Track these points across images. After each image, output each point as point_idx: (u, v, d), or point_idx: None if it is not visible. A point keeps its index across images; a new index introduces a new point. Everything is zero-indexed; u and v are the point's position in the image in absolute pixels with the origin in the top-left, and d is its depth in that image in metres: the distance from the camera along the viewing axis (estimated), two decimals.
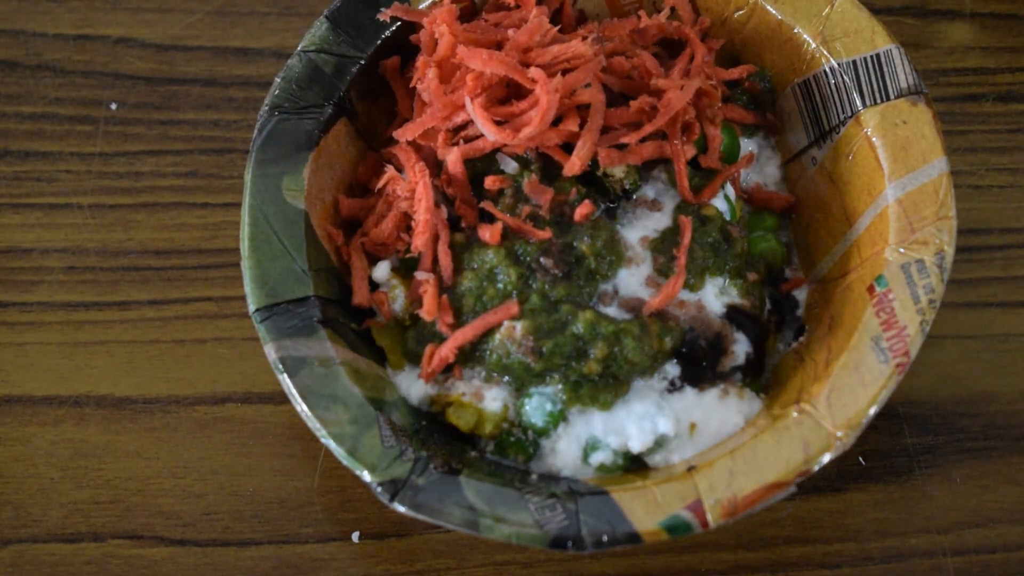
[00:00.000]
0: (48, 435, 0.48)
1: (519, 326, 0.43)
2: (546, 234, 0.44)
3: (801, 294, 0.47)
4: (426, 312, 0.44)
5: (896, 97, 0.45)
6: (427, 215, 0.45)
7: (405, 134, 0.46)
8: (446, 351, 0.44)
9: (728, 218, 0.47)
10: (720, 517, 0.39)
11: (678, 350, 0.44)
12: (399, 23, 0.49)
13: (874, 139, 0.45)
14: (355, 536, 0.46)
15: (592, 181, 0.46)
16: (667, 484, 0.41)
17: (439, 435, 0.44)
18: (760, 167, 0.50)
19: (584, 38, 0.46)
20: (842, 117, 0.46)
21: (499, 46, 0.47)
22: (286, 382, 0.42)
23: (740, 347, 0.45)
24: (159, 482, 0.47)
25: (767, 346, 0.46)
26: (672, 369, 0.44)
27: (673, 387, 0.44)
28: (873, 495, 0.47)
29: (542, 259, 0.44)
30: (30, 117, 0.55)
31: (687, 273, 0.45)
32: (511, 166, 0.46)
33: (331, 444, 0.41)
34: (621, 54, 0.48)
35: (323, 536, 0.46)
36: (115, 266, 0.52)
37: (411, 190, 0.46)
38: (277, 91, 0.47)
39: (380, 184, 0.47)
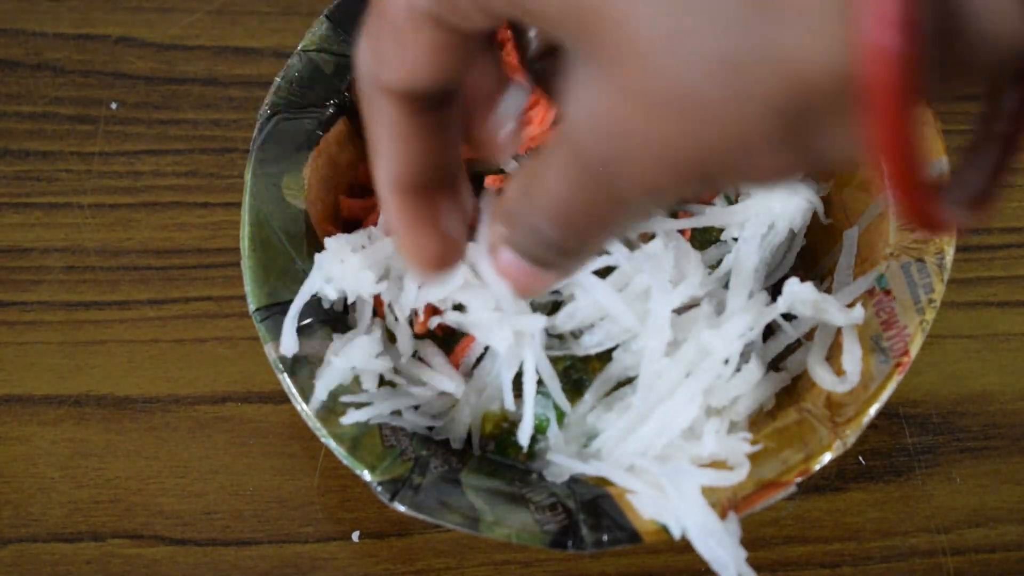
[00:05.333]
0: (48, 435, 0.48)
1: None
2: None
3: None
4: (425, 312, 0.44)
5: None
6: None
7: None
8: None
9: None
10: (720, 517, 0.39)
11: None
12: None
13: None
14: (355, 536, 0.46)
15: None
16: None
17: None
18: None
19: None
20: None
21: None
22: (286, 382, 0.42)
23: None
24: (159, 481, 0.47)
25: None
26: None
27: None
28: (873, 495, 0.47)
29: None
30: (30, 117, 0.55)
31: None
32: (511, 166, 0.46)
33: (331, 444, 0.41)
34: None
35: (323, 536, 0.46)
36: (115, 266, 0.52)
37: None
38: (277, 91, 0.47)
39: None
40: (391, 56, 0.27)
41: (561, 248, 0.26)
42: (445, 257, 0.31)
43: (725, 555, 0.39)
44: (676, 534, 0.39)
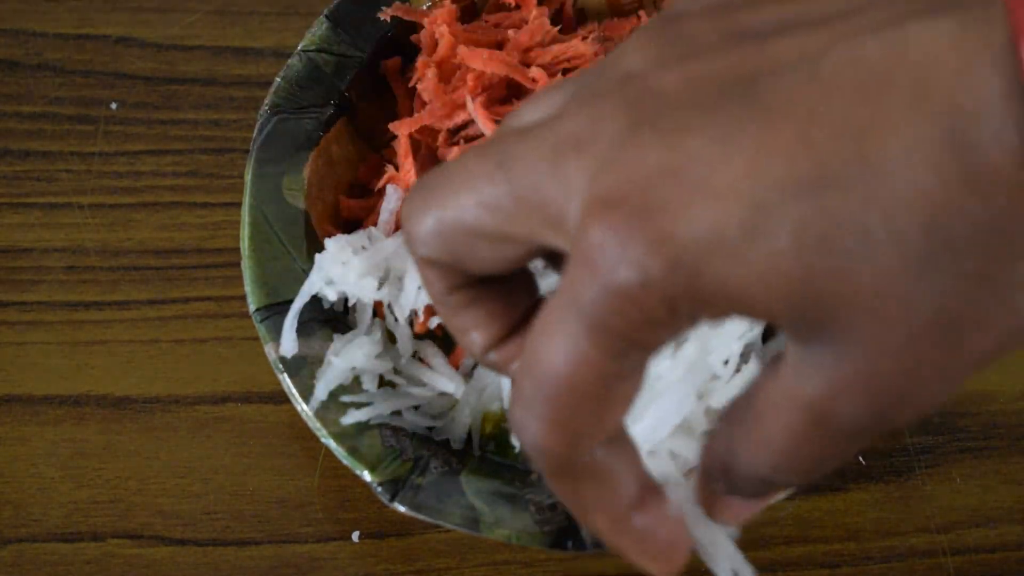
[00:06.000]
0: (48, 435, 0.48)
1: None
2: None
3: None
4: (425, 312, 0.44)
5: None
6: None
7: (401, 128, 0.46)
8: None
9: None
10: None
11: None
12: (399, 23, 0.49)
13: None
14: (355, 536, 0.46)
15: None
16: (668, 484, 0.41)
17: None
18: None
19: (584, 38, 0.46)
20: None
21: (499, 46, 0.47)
22: (286, 382, 0.42)
23: None
24: (159, 482, 0.47)
25: None
26: None
27: None
28: (873, 495, 0.47)
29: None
30: (30, 117, 0.55)
31: None
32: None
33: (331, 444, 0.41)
34: None
35: (323, 536, 0.46)
36: (115, 266, 0.52)
37: (406, 186, 0.46)
38: (277, 91, 0.47)
39: (380, 184, 0.47)
40: (592, 428, 0.25)
41: (789, 485, 0.27)
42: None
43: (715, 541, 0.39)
44: None
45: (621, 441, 0.27)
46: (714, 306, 0.23)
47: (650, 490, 0.28)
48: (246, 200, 0.45)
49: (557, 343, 0.24)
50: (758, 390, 0.25)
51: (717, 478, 0.27)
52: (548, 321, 0.24)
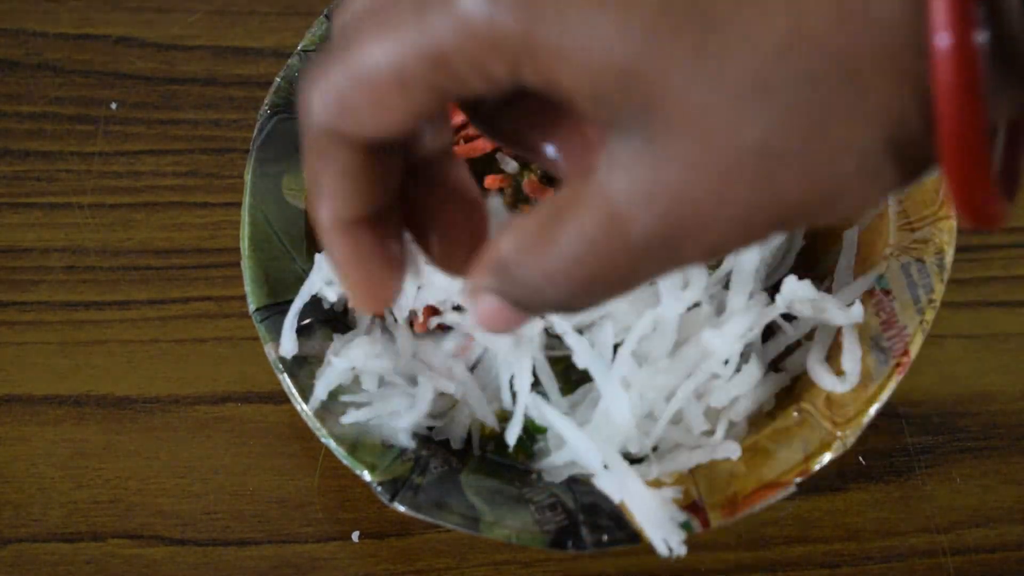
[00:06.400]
0: (48, 435, 0.48)
1: None
2: None
3: None
4: (424, 312, 0.44)
5: None
6: None
7: None
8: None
9: None
10: (720, 517, 0.40)
11: None
12: None
13: None
14: (355, 536, 0.46)
15: None
16: (667, 484, 0.41)
17: None
18: None
19: None
20: None
21: None
22: (286, 382, 0.42)
23: None
24: (159, 482, 0.47)
25: None
26: None
27: None
28: (873, 495, 0.47)
29: None
30: (30, 117, 0.55)
31: None
32: (511, 166, 0.46)
33: (331, 444, 0.41)
34: None
35: (323, 536, 0.46)
36: (115, 265, 0.52)
37: None
38: (277, 91, 0.47)
39: None
40: (362, 113, 0.25)
41: (564, 306, 0.26)
42: (389, 291, 0.29)
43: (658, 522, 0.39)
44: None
45: (392, 162, 0.27)
46: (542, 66, 0.23)
47: (393, 223, 0.28)
48: (246, 200, 0.45)
49: (385, 37, 0.24)
50: (565, 189, 0.24)
51: (492, 271, 0.26)
52: (387, 13, 0.24)
